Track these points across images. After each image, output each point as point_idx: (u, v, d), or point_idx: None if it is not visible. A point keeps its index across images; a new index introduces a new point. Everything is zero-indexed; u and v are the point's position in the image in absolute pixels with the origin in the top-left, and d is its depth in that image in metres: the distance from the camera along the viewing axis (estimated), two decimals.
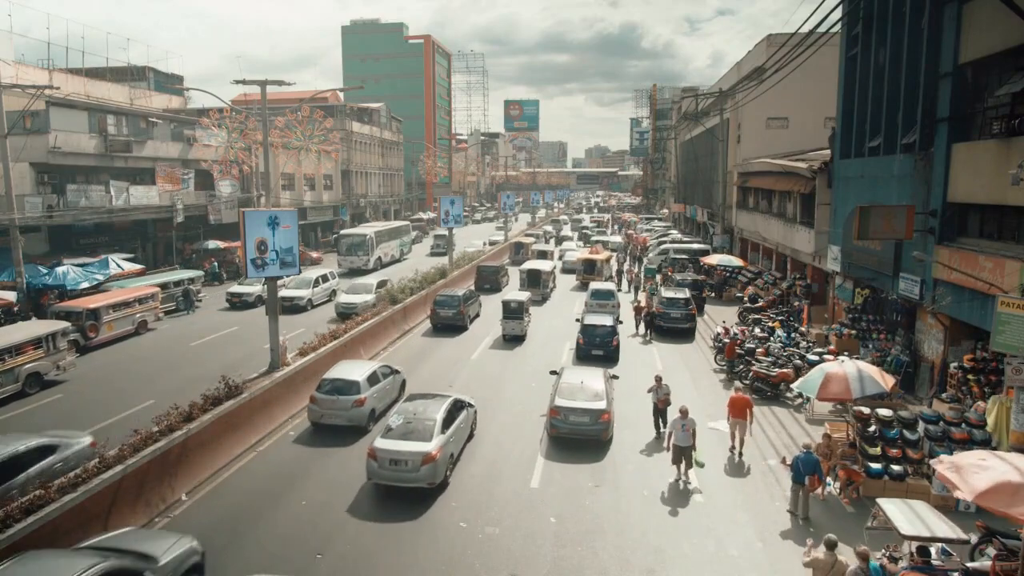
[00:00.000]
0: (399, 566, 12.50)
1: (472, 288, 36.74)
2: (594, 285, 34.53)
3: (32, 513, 11.61)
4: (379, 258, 53.00)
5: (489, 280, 41.08)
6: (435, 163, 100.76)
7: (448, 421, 16.24)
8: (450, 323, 31.25)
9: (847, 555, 11.21)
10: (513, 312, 29.45)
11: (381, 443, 15.18)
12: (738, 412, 17.25)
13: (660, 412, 18.70)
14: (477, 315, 34.11)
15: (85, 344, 27.41)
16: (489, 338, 30.00)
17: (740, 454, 17.30)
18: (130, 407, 20.78)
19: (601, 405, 17.78)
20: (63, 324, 24.72)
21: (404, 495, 14.89)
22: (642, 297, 36.36)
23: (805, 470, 13.89)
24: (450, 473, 15.91)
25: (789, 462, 14.43)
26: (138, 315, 30.33)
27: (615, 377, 21.14)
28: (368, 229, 54.55)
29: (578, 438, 17.78)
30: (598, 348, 25.43)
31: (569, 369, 20.58)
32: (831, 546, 10.79)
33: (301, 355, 21.82)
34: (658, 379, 18.99)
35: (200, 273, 39.49)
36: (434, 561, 12.60)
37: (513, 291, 35.51)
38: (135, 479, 13.80)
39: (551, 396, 18.70)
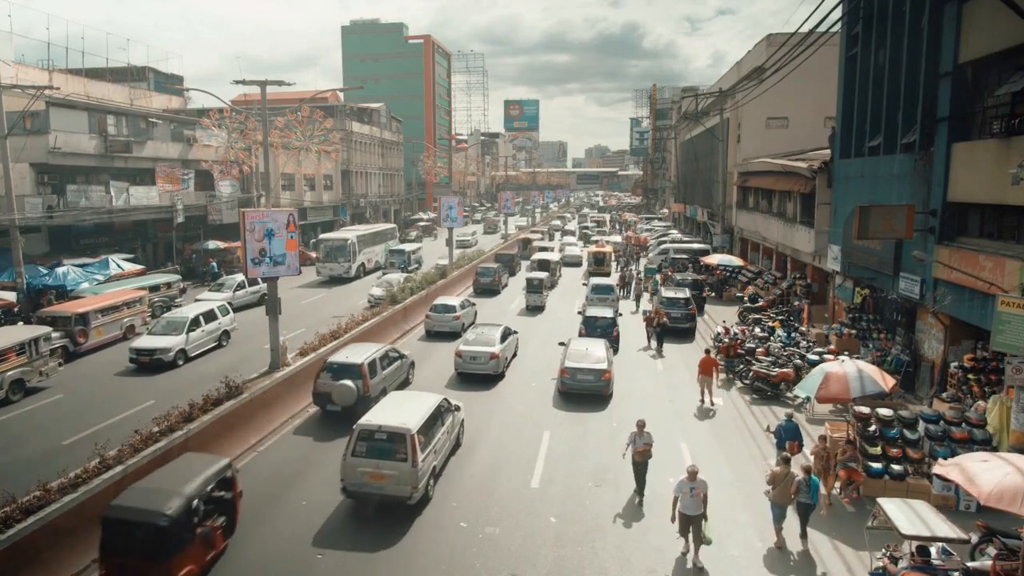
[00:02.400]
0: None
1: (500, 264, 44.82)
2: (594, 280, 37.93)
3: (32, 513, 11.61)
4: (362, 264, 48.54)
5: (508, 264, 47.99)
6: (435, 163, 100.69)
7: (503, 338, 24.81)
8: (488, 287, 41.44)
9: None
10: (535, 287, 36.96)
11: (463, 347, 24.06)
12: (705, 370, 21.14)
13: (639, 466, 15.01)
14: (506, 285, 43.88)
15: (74, 350, 26.70)
16: (515, 306, 37.62)
17: (712, 403, 21.16)
18: (131, 407, 20.81)
19: (603, 366, 21.52)
20: (45, 329, 24.16)
21: (480, 380, 23.68)
22: (645, 300, 36.04)
23: (786, 436, 15.77)
24: (505, 369, 24.53)
25: (773, 430, 16.37)
26: (126, 320, 29.48)
27: (615, 347, 24.44)
28: (350, 233, 50.27)
29: (585, 393, 21.43)
30: (599, 338, 26.02)
31: (575, 340, 24.11)
32: (785, 461, 13.53)
33: (301, 355, 21.82)
34: (640, 425, 15.24)
35: (177, 277, 38.30)
36: (435, 561, 12.61)
37: (531, 273, 40.96)
38: (135, 479, 13.74)
39: (561, 360, 22.31)
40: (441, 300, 31.46)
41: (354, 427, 14.52)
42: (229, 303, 31.37)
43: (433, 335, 30.07)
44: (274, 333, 20.86)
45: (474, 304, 33.17)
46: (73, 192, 37.84)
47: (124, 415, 20.13)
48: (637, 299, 37.55)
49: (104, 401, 21.66)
